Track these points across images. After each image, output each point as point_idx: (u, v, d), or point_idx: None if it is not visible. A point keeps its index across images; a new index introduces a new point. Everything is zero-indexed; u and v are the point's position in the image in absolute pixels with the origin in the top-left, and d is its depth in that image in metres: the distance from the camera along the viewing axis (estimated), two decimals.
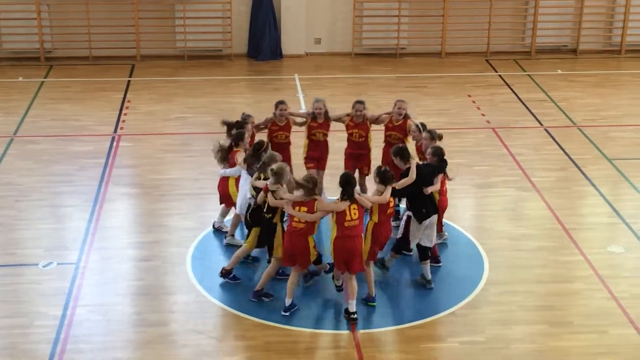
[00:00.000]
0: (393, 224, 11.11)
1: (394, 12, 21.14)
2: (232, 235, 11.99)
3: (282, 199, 10.16)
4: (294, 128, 12.51)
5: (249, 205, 10.82)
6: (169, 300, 10.78)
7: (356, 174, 12.03)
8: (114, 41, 20.79)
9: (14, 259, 11.72)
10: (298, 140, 12.83)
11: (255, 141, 11.43)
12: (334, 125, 12.68)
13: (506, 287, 11.10)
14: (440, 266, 11.45)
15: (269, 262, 10.88)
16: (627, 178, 14.37)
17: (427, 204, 10.81)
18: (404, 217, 11.06)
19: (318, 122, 12.43)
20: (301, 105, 17.48)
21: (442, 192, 11.31)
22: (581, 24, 21.52)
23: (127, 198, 13.60)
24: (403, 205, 11.50)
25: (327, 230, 10.48)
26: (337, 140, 13.08)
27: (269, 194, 10.23)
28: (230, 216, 12.21)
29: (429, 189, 10.81)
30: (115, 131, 16.32)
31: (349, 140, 12.53)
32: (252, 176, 10.87)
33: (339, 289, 10.76)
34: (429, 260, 11.02)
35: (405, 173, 10.72)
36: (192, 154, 15.13)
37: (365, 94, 16.83)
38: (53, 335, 9.92)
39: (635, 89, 19.32)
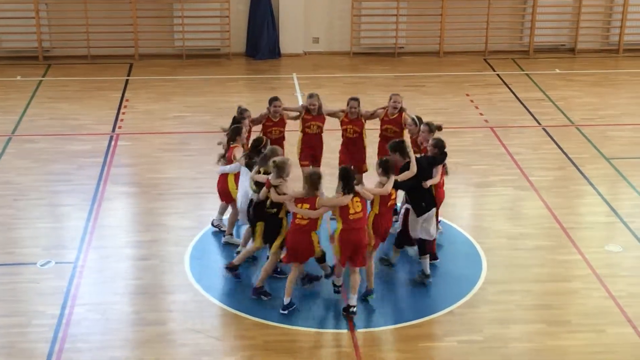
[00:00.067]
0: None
1: (392, 12, 21.14)
2: (231, 234, 11.98)
3: (284, 194, 10.15)
4: (289, 126, 12.49)
5: (251, 200, 10.74)
6: (167, 300, 10.77)
7: None
8: (112, 40, 20.76)
9: (12, 257, 11.71)
10: (291, 138, 12.81)
11: (253, 138, 11.41)
12: (331, 124, 12.68)
13: (504, 286, 11.10)
14: (437, 261, 11.38)
15: (268, 258, 10.84)
16: (624, 177, 14.38)
17: (426, 197, 10.77)
18: (402, 211, 11.03)
19: (312, 115, 12.44)
20: (299, 104, 17.45)
21: (440, 184, 11.22)
22: (579, 24, 21.53)
23: (125, 197, 13.59)
24: (399, 203, 11.46)
25: (327, 231, 10.44)
26: (334, 140, 13.08)
27: (272, 189, 10.19)
28: (228, 215, 12.20)
29: (429, 182, 10.75)
30: (113, 130, 16.31)
31: (343, 135, 12.54)
32: (251, 171, 10.83)
33: (337, 290, 10.72)
34: (428, 255, 10.99)
35: (405, 167, 10.64)
36: (190, 153, 15.11)
37: (364, 93, 16.81)
38: (51, 334, 9.91)
39: (633, 88, 19.32)
